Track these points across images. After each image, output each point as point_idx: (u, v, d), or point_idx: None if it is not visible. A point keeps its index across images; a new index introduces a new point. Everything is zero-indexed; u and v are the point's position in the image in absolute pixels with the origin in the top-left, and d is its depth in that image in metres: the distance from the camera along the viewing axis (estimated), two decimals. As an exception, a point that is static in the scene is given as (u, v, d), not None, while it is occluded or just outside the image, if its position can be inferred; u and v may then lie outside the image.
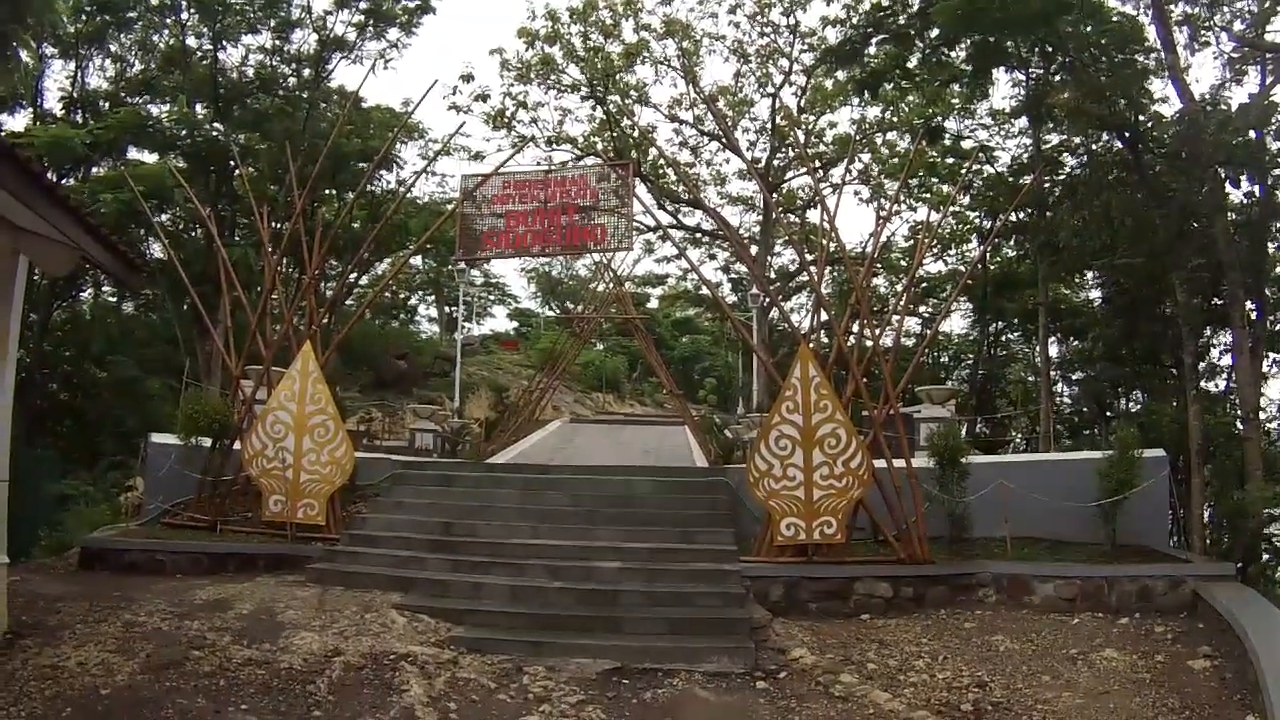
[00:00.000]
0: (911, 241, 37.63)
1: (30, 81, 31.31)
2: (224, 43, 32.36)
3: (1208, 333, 24.95)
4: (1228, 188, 21.25)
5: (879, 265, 33.36)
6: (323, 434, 16.31)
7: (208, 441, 17.15)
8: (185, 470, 16.97)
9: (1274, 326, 24.26)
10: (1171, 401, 24.09)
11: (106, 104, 32.69)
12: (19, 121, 31.16)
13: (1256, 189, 22.27)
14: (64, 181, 28.80)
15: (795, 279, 46.18)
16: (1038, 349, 29.77)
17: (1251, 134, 20.88)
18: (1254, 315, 22.16)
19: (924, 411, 20.15)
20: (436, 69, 55.35)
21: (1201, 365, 24.20)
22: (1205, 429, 20.24)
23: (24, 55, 28.78)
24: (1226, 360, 25.18)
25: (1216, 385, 26.05)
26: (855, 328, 18.03)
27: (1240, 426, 20.42)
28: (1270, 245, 23.38)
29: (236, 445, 16.97)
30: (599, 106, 39.46)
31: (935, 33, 22.83)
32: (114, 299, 35.56)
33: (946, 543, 15.11)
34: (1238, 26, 22.47)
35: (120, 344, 31.12)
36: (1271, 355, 24.75)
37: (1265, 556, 20.76)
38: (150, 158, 31.62)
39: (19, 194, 8.33)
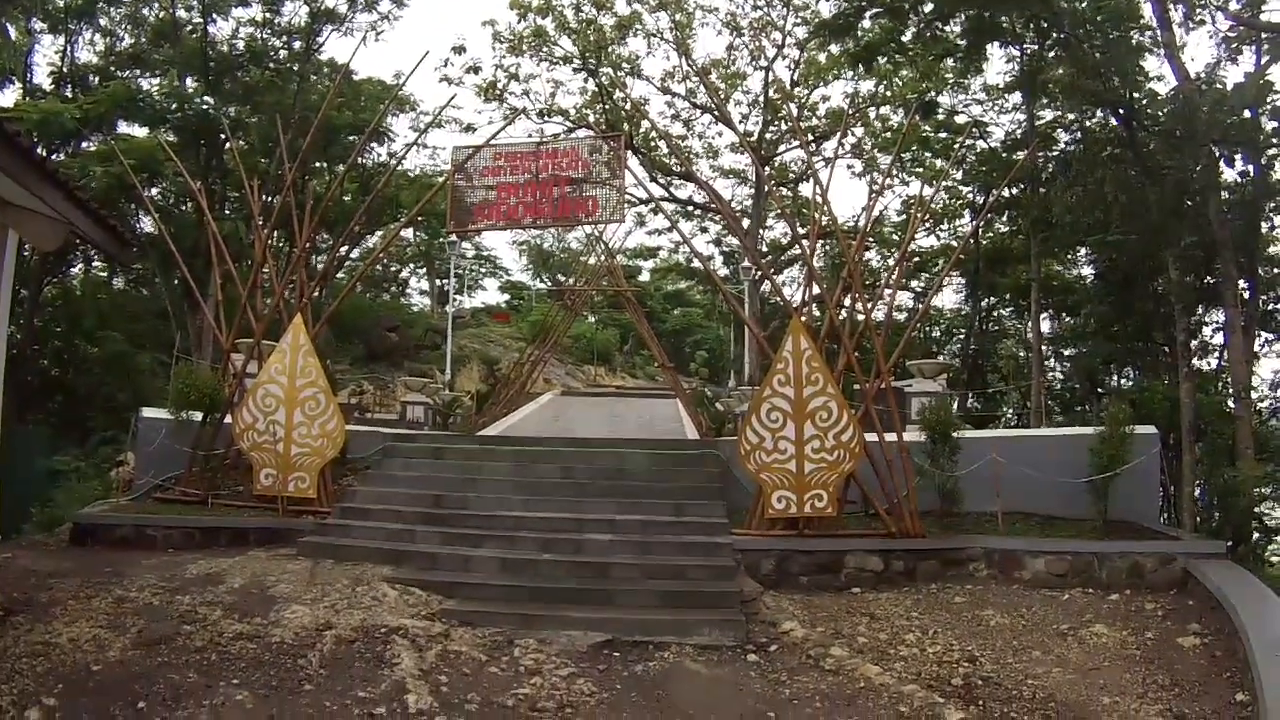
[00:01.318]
0: (904, 216, 37.59)
1: (19, 57, 31.13)
2: (214, 15, 32.21)
3: (1200, 311, 25.01)
4: (1222, 166, 21.25)
5: (871, 239, 33.32)
6: (314, 407, 16.32)
7: (199, 416, 17.12)
8: (176, 445, 16.95)
9: (1266, 305, 24.35)
10: (1163, 379, 24.13)
11: (96, 78, 32.55)
12: (8, 98, 31.04)
13: (1250, 168, 22.31)
14: (54, 156, 28.68)
15: (787, 252, 46.17)
16: (1029, 325, 29.80)
17: (1246, 113, 20.89)
18: (1246, 294, 22.26)
19: (915, 386, 20.17)
20: (428, 40, 54.91)
21: (1194, 343, 24.29)
22: (1196, 407, 20.34)
23: (12, 31, 28.61)
24: (1219, 339, 25.33)
25: (1208, 364, 26.15)
26: (847, 301, 18.04)
27: (1232, 405, 20.45)
28: (1263, 224, 23.45)
29: (227, 419, 16.98)
30: (591, 79, 39.32)
31: (930, 7, 22.77)
32: (104, 274, 35.45)
33: (937, 517, 15.17)
34: (1233, 5, 22.44)
35: (111, 319, 31.02)
36: (1263, 334, 24.82)
37: (1255, 535, 20.87)
38: (140, 132, 31.50)
39: (7, 169, 8.27)
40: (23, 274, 25.94)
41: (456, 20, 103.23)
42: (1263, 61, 21.90)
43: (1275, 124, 21.33)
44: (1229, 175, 22.46)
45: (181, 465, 16.98)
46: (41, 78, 32.94)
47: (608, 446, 19.11)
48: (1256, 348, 24.05)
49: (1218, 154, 20.52)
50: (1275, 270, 24.69)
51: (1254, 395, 22.35)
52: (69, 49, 33.09)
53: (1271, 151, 22.23)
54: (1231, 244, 20.06)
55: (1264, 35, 21.63)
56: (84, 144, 31.24)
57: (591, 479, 16.75)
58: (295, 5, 32.69)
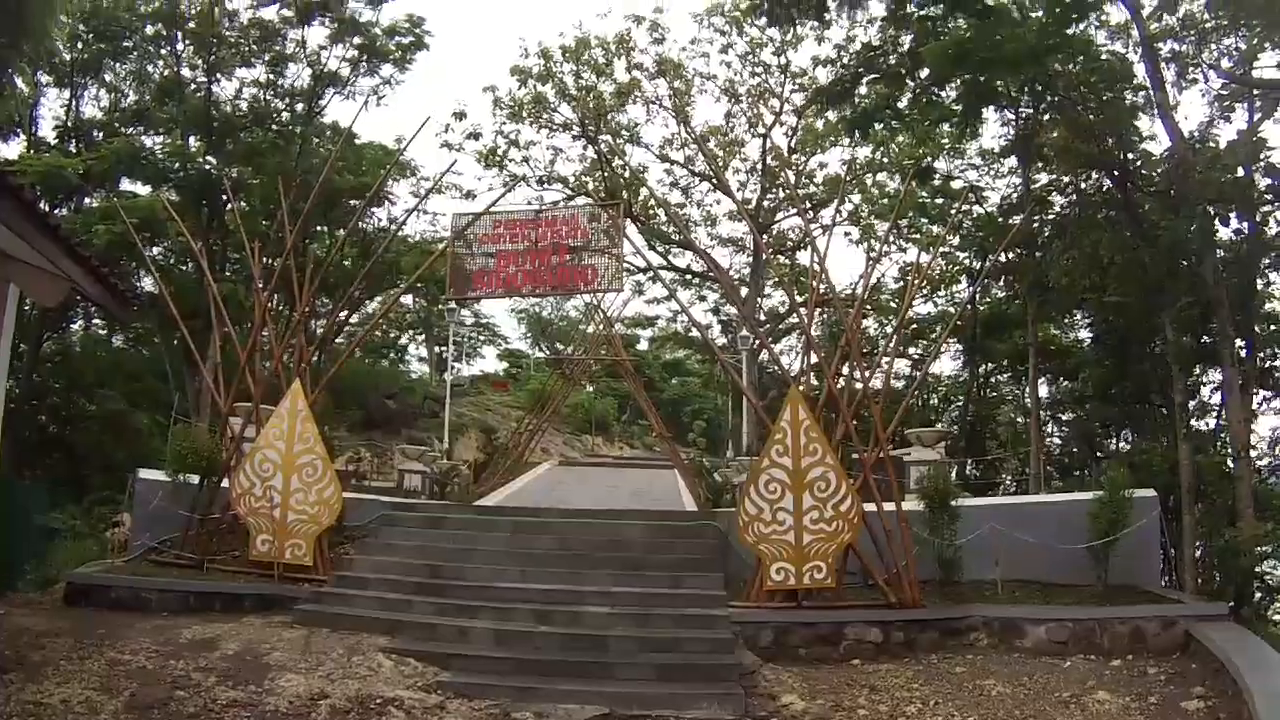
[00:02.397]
0: (901, 283, 37.72)
1: (25, 109, 31.40)
2: (218, 75, 32.48)
3: (1198, 371, 25.07)
4: (1216, 225, 21.41)
5: (869, 307, 33.42)
6: (311, 474, 16.25)
7: (196, 478, 17.05)
8: (173, 507, 16.84)
9: (1264, 363, 24.38)
10: (1162, 440, 24.09)
11: (100, 134, 32.73)
12: (13, 149, 31.22)
13: (1245, 226, 22.48)
14: (57, 211, 28.77)
15: (785, 320, 46.26)
16: (1027, 390, 29.79)
17: (1240, 171, 21.10)
18: (1244, 352, 22.31)
19: (914, 454, 20.09)
20: (429, 105, 55.58)
21: (1192, 403, 24.36)
22: (1196, 467, 20.31)
23: (19, 82, 28.86)
24: (1217, 398, 25.29)
25: (1207, 423, 26.08)
26: (845, 370, 18.03)
27: (1231, 464, 20.44)
28: (1259, 281, 23.56)
29: (225, 483, 16.90)
30: (590, 146, 39.73)
31: (925, 72, 23.05)
32: (104, 331, 35.47)
33: (937, 586, 15.06)
34: (1225, 64, 22.76)
35: (110, 377, 31.03)
36: (1262, 392, 24.83)
37: (1258, 595, 20.73)
38: (143, 190, 31.64)
39: (11, 223, 8.31)
40: (23, 328, 25.92)
41: (458, 85, 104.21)
42: (1255, 118, 22.17)
43: (1269, 181, 21.51)
44: (1224, 233, 22.69)
45: (178, 528, 16.86)
46: (46, 131, 33.17)
47: (605, 517, 19.00)
48: (1255, 405, 24.04)
49: (1212, 213, 20.69)
50: (1272, 327, 24.72)
51: (1253, 453, 22.33)
52: (74, 103, 33.38)
53: (1266, 208, 22.40)
54: (1228, 302, 20.18)
55: (1256, 92, 21.90)
56: (86, 199, 31.42)
57: (589, 550, 16.63)
58: (298, 68, 33.02)
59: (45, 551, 18.90)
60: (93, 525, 21.23)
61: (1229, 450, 21.39)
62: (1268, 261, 23.61)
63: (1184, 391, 21.74)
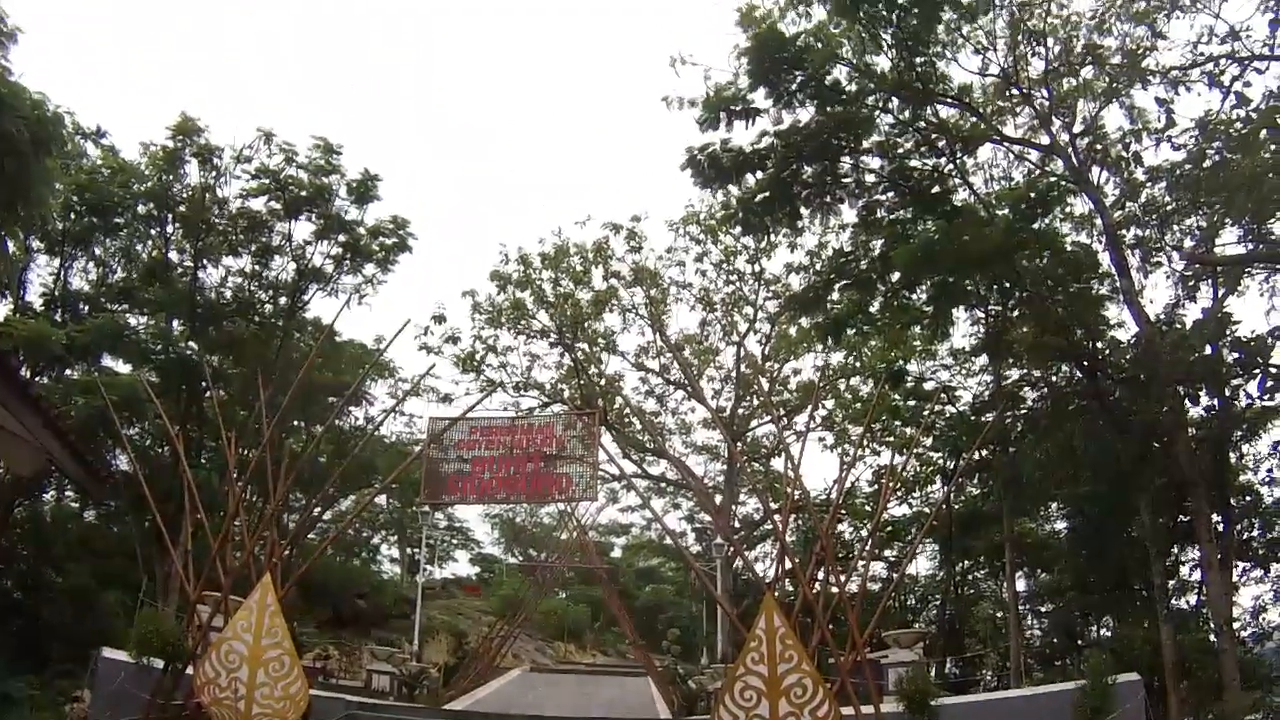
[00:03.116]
0: (875, 486, 37.77)
1: (15, 272, 31.64)
2: (205, 261, 32.77)
3: (1175, 550, 25.10)
4: (1187, 405, 21.75)
5: (843, 511, 33.39)
6: (278, 668, 15.88)
7: (160, 663, 16.68)
8: (135, 689, 16.47)
9: (1241, 535, 24.40)
10: (1144, 622, 23.89)
11: (86, 307, 32.91)
12: (0, 311, 31.32)
13: (1215, 402, 22.81)
14: (38, 379, 28.79)
15: (760, 527, 46.07)
16: (1005, 585, 29.61)
17: (1208, 348, 21.54)
18: (1220, 528, 22.36)
19: (892, 656, 19.88)
20: (409, 301, 56.25)
21: (1171, 583, 24.30)
22: (1179, 646, 20.13)
23: (10, 245, 29.16)
24: (1196, 575, 25.23)
25: (1188, 601, 26.04)
26: (821, 575, 17.94)
27: (1215, 639, 20.28)
28: (1232, 455, 23.77)
29: (189, 670, 16.54)
30: (567, 353, 40.09)
31: (896, 276, 23.60)
32: (76, 505, 34.95)
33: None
34: (1188, 244, 23.43)
35: (78, 551, 30.51)
36: (1240, 564, 24.76)
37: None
38: (124, 368, 31.71)
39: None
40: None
41: (438, 284, 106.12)
42: (1220, 294, 22.72)
43: (1236, 355, 21.90)
44: (1194, 412, 23.08)
45: (139, 710, 16.40)
46: (34, 296, 33.18)
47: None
48: (1236, 577, 23.97)
49: (1182, 393, 21.01)
50: (1247, 499, 24.83)
51: (1236, 625, 22.16)
52: (63, 273, 33.45)
53: (1235, 382, 22.74)
54: (1202, 480, 20.34)
55: (1219, 270, 22.48)
56: (68, 371, 31.36)
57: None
58: (283, 261, 33.29)
59: (4, 717, 18.43)
60: (52, 698, 20.69)
61: (1212, 626, 21.30)
62: (1239, 434, 23.89)
63: (1163, 572, 21.80)
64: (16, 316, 30.04)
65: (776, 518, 19.45)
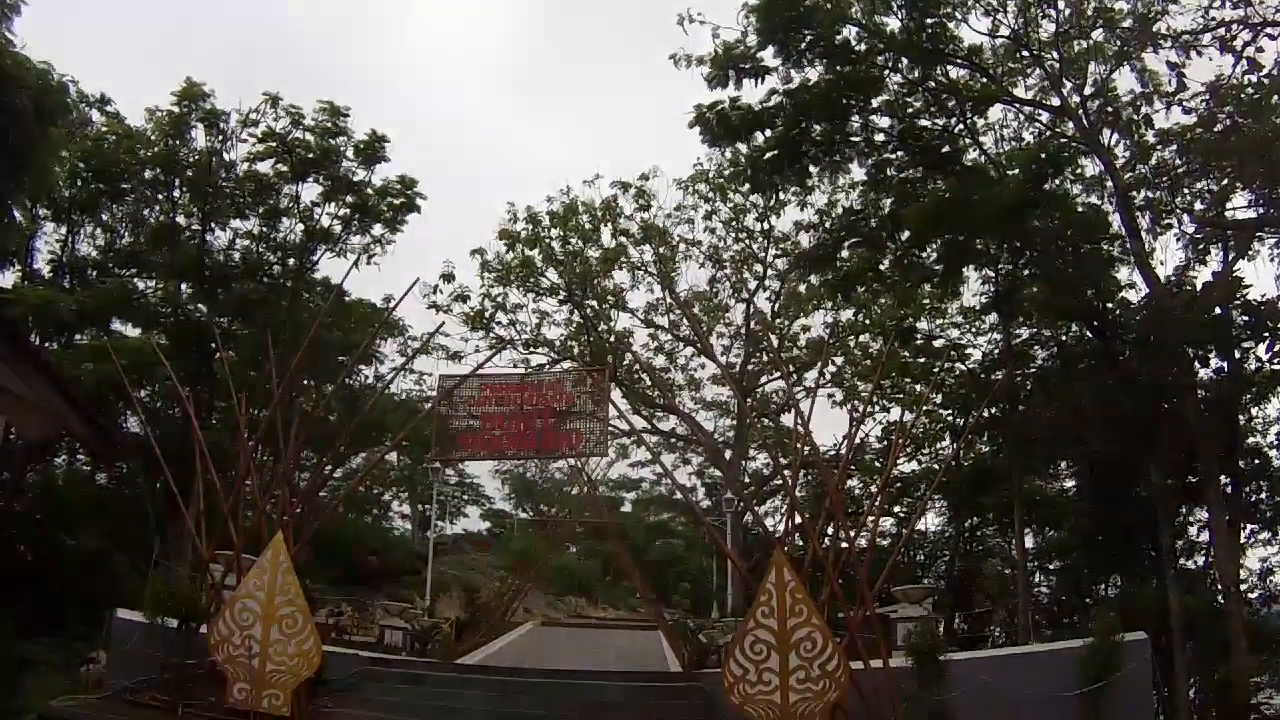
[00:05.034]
0: (885, 442, 37.79)
1: (23, 241, 31.72)
2: (213, 225, 32.78)
3: (1184, 511, 25.06)
4: (1196, 366, 21.72)
5: (853, 467, 33.43)
6: (291, 625, 16.05)
7: (174, 622, 16.85)
8: (150, 649, 16.67)
9: (1249, 498, 24.42)
10: (1151, 582, 23.95)
11: (94, 272, 33.12)
12: (8, 279, 31.39)
13: (1224, 365, 22.78)
14: (47, 345, 28.94)
15: (770, 482, 46.17)
16: (1014, 542, 29.68)
17: (1217, 310, 21.48)
18: (1229, 489, 22.38)
19: (901, 611, 19.99)
20: (419, 264, 55.84)
21: (1179, 543, 24.29)
22: (1186, 607, 20.17)
23: (18, 214, 29.21)
24: (1204, 536, 25.24)
25: (1195, 562, 26.00)
26: (830, 530, 18.02)
27: (1222, 601, 20.39)
28: (1241, 418, 23.76)
29: (203, 629, 16.70)
30: (576, 310, 40.05)
31: (906, 234, 23.52)
32: (88, 468, 35.13)
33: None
34: (1198, 207, 23.31)
35: (91, 515, 30.68)
36: (1249, 527, 24.81)
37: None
38: (133, 332, 31.82)
39: (2, 354, 8.38)
40: (6, 457, 25.78)
41: (447, 245, 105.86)
42: (1230, 258, 22.65)
43: (1246, 318, 21.86)
44: (1204, 374, 22.97)
45: (154, 670, 16.62)
46: (41, 264, 33.43)
47: (588, 678, 18.85)
48: (1243, 539, 24.02)
49: (1192, 354, 20.98)
50: (1256, 461, 24.83)
51: (1243, 587, 22.26)
52: (70, 240, 33.65)
53: (1245, 345, 22.72)
54: (1211, 442, 20.33)
55: (1229, 233, 22.40)
56: (78, 336, 31.47)
57: (571, 710, 16.44)
58: (291, 222, 33.27)
59: (16, 681, 18.61)
60: (67, 660, 20.90)
61: (1219, 587, 21.39)
62: (1248, 397, 23.87)
63: (1171, 532, 21.79)
64: (25, 284, 30.12)
65: (786, 473, 19.51)
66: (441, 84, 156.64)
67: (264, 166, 32.32)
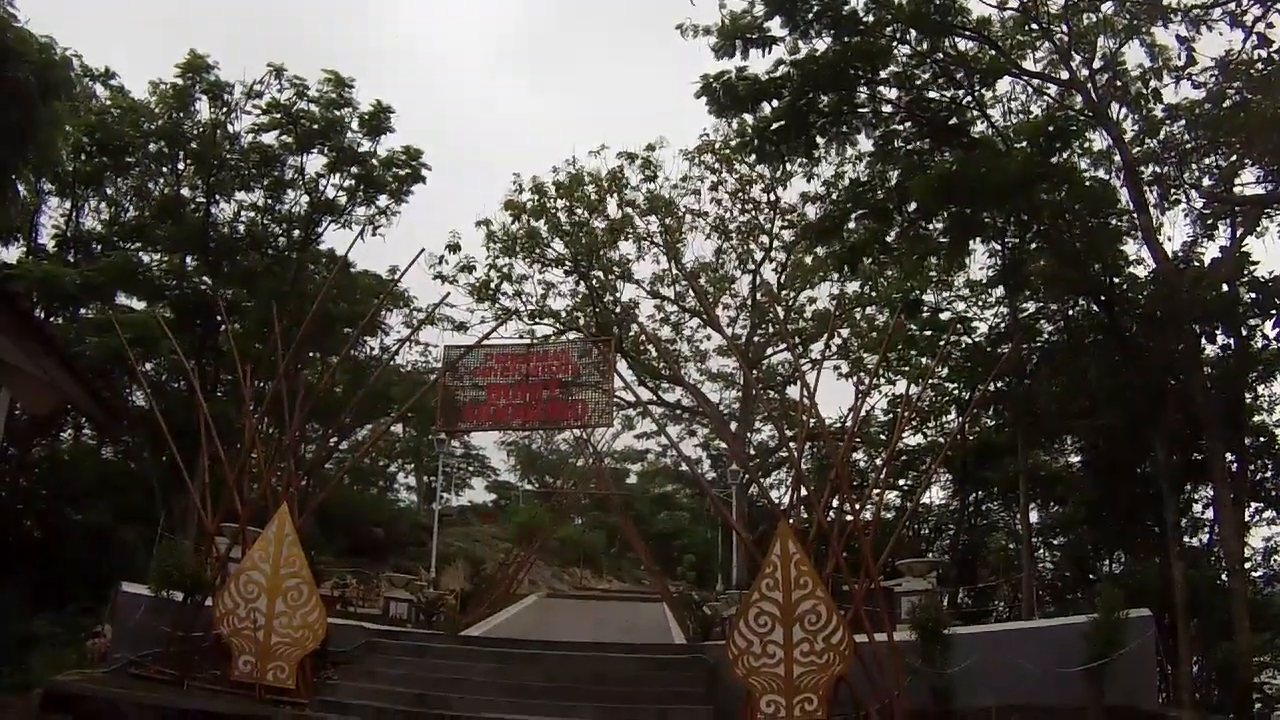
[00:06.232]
0: (891, 415, 37.73)
1: (26, 216, 31.71)
2: (218, 197, 32.71)
3: (1189, 488, 25.05)
4: (1203, 343, 21.67)
5: (859, 440, 33.41)
6: (296, 597, 16.13)
7: (179, 595, 16.89)
8: (155, 622, 16.72)
9: (1255, 476, 24.41)
10: (1155, 559, 23.98)
11: (99, 246, 33.06)
12: (12, 254, 31.38)
13: (1231, 341, 22.74)
14: (52, 319, 29.04)
15: (775, 455, 46.17)
16: (1019, 516, 29.68)
17: (1225, 287, 21.39)
18: (1234, 467, 22.35)
19: (905, 585, 20.02)
20: (424, 235, 55.90)
21: (1184, 521, 24.28)
22: (1190, 584, 20.16)
23: (21, 189, 29.18)
24: (1209, 514, 25.31)
25: (1200, 539, 26.07)
26: (835, 503, 18.02)
27: (1226, 579, 20.37)
28: (1247, 396, 23.72)
29: (208, 602, 16.75)
30: (582, 281, 39.96)
31: (913, 206, 23.40)
32: (93, 442, 35.20)
33: (930, 716, 14.87)
34: (1206, 182, 23.20)
35: (96, 489, 30.77)
36: (1254, 505, 24.81)
37: (1257, 705, 20.43)
38: (138, 305, 31.84)
39: (6, 330, 8.36)
40: (12, 432, 25.81)
41: (452, 216, 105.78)
42: (1238, 234, 22.56)
43: (1254, 295, 21.80)
44: (1210, 350, 23.02)
45: (159, 643, 16.68)
46: (46, 238, 33.43)
47: (592, 650, 18.92)
48: (1247, 517, 24.07)
49: (1198, 330, 20.93)
50: (1261, 440, 24.82)
51: (1247, 565, 22.27)
52: (75, 214, 33.62)
53: (1252, 322, 22.66)
54: (1216, 419, 20.31)
55: (1237, 209, 22.30)
56: (82, 310, 31.53)
57: (576, 682, 16.49)
58: (296, 194, 33.18)
59: (22, 656, 18.68)
60: (73, 634, 20.97)
61: (1223, 565, 21.45)
62: (1255, 375, 23.83)
63: (1175, 509, 21.70)
64: (30, 259, 30.11)
65: (791, 445, 19.50)
66: (444, 60, 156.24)
67: (269, 138, 32.29)
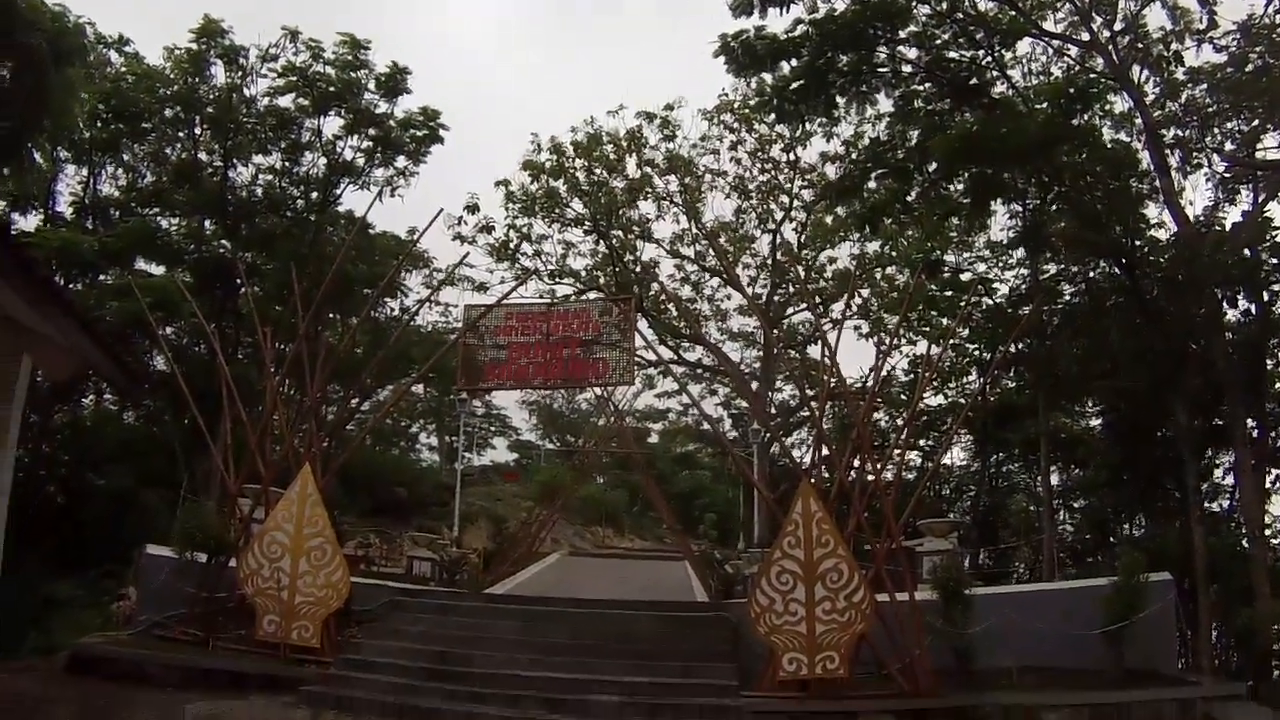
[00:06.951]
0: (912, 375, 37.65)
1: (44, 184, 31.79)
2: (235, 160, 32.70)
3: (1209, 453, 24.97)
4: (1224, 307, 21.56)
5: (880, 400, 33.34)
6: (319, 557, 16.25)
7: (203, 557, 17.04)
8: (179, 584, 16.89)
9: (1276, 443, 24.29)
10: (1175, 523, 23.93)
11: (117, 212, 33.11)
12: (30, 222, 31.45)
13: (1252, 306, 22.58)
14: (72, 286, 29.11)
15: (796, 414, 46.14)
16: (1039, 478, 29.64)
17: (1246, 252, 21.25)
18: (1255, 433, 22.27)
19: (926, 545, 20.05)
20: (443, 196, 55.52)
21: (1204, 486, 24.24)
22: (1210, 550, 20.13)
23: (39, 157, 29.25)
24: (1229, 479, 25.21)
25: (1220, 505, 25.99)
26: (856, 463, 18.02)
27: (1246, 545, 20.34)
28: (1269, 362, 23.59)
29: (232, 563, 16.90)
30: (602, 241, 39.83)
31: (934, 167, 23.23)
32: (115, 407, 35.42)
33: (951, 675, 14.92)
34: (1228, 147, 23.01)
35: (118, 453, 30.99)
36: (1275, 471, 24.70)
37: (1277, 673, 20.48)
38: (158, 270, 31.95)
39: (26, 296, 8.39)
40: (34, 399, 25.99)
41: (471, 177, 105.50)
42: (1260, 199, 22.38)
43: (1276, 260, 21.67)
44: (1232, 315, 22.92)
45: (183, 604, 16.87)
46: (63, 206, 33.47)
47: (616, 608, 18.92)
48: (1268, 484, 23.96)
49: (1220, 295, 20.81)
50: None
51: (1268, 533, 22.21)
52: (92, 181, 33.65)
53: (1274, 287, 22.54)
54: (1238, 384, 20.24)
55: (1260, 174, 22.12)
56: (101, 276, 31.63)
57: (599, 640, 16.54)
58: (314, 156, 33.11)
59: (48, 619, 18.88)
60: (97, 597, 21.19)
61: (1243, 531, 21.37)
62: (1276, 341, 23.68)
63: (1196, 474, 21.66)
64: (48, 227, 30.19)
65: (813, 405, 19.51)
66: (461, 23, 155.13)
67: (285, 101, 32.20)
